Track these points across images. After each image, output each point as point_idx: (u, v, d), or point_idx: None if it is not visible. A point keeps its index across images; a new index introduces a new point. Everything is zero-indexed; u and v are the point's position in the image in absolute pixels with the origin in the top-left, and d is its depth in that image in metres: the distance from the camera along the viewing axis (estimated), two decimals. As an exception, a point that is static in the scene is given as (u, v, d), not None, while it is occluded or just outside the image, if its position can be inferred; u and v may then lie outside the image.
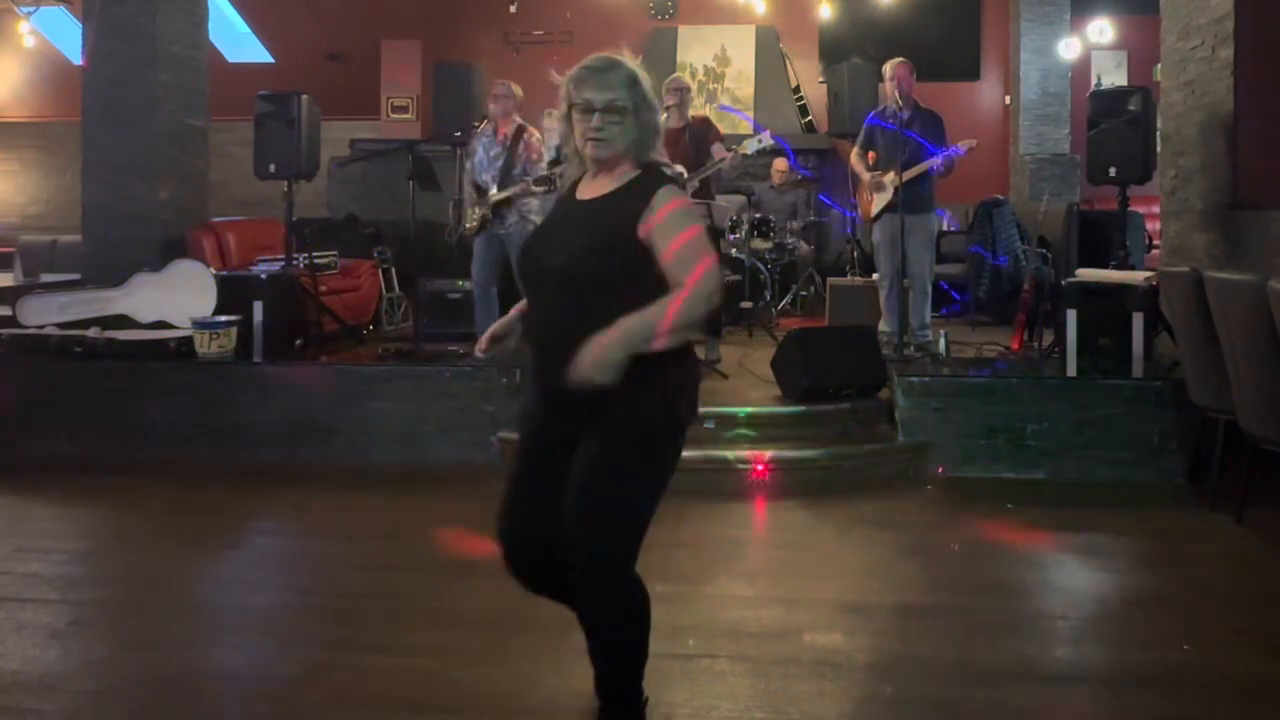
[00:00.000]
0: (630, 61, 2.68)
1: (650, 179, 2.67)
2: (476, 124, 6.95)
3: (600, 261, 2.58)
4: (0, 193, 12.38)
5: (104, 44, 7.36)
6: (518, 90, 6.90)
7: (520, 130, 6.80)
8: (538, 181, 6.67)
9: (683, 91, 6.76)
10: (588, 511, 2.57)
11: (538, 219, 6.86)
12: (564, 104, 2.69)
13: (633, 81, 2.64)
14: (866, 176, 6.75)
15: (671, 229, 2.57)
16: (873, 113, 6.91)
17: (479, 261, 6.84)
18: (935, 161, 6.40)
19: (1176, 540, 4.60)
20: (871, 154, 6.72)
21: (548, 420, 2.71)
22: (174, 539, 4.70)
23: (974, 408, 5.54)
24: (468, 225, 6.86)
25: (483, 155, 6.86)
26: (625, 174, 2.69)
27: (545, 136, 8.24)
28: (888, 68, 6.63)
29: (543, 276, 2.66)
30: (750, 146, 6.74)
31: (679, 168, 6.59)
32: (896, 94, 6.53)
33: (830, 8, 10.88)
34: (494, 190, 6.72)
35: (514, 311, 2.88)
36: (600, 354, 2.42)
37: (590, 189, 2.72)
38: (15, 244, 10.50)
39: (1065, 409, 5.48)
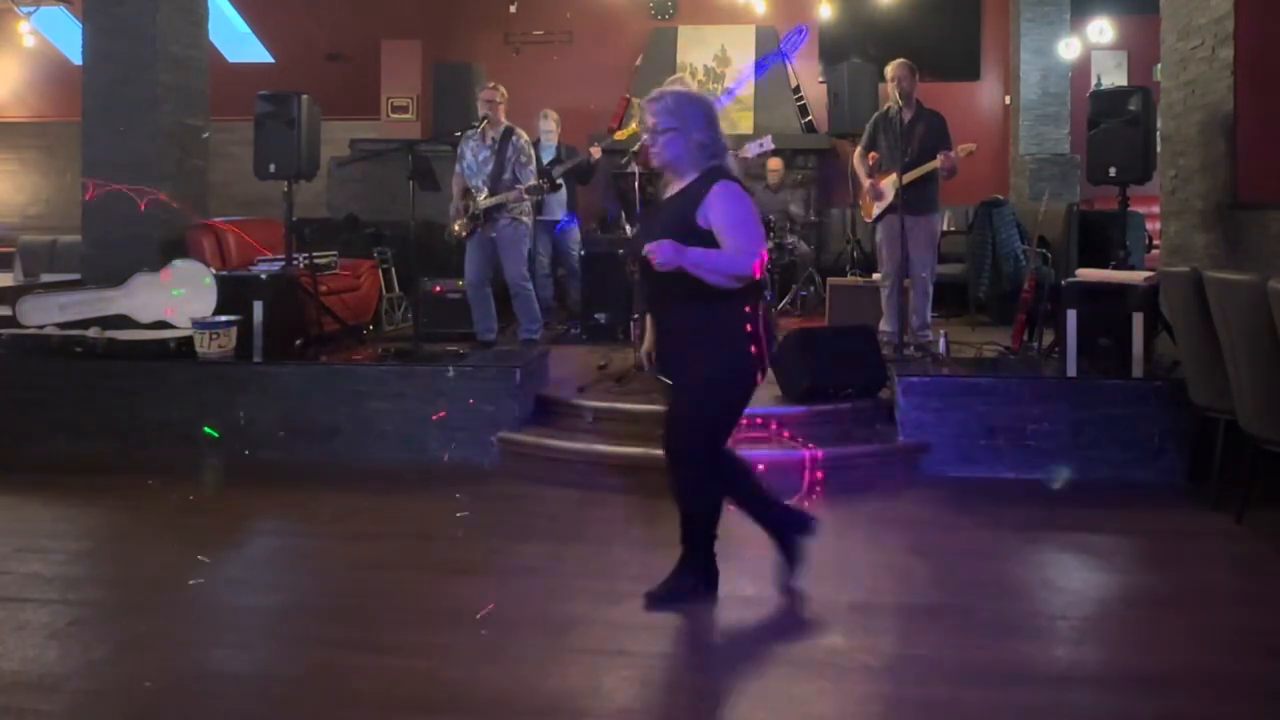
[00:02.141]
0: (678, 88, 3.72)
1: (707, 177, 3.62)
2: (476, 124, 6.95)
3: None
4: (0, 193, 12.39)
5: (104, 44, 7.36)
6: (504, 92, 6.90)
7: (508, 133, 6.79)
8: (529, 190, 6.68)
9: (683, 91, 6.76)
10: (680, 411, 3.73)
11: (529, 220, 6.87)
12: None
13: (671, 109, 3.62)
14: (866, 183, 6.74)
15: (722, 214, 3.55)
16: (876, 114, 6.92)
17: (471, 264, 6.85)
18: (935, 165, 6.40)
19: (1176, 540, 4.60)
20: (873, 155, 6.72)
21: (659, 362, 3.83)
22: (174, 539, 4.70)
23: (974, 408, 5.54)
24: (457, 229, 6.87)
25: (471, 159, 6.86)
26: (689, 176, 3.66)
27: (543, 138, 8.26)
28: (889, 69, 6.63)
29: (641, 260, 3.59)
30: (752, 150, 6.74)
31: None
32: (897, 95, 6.53)
33: (830, 8, 10.88)
34: (484, 194, 6.71)
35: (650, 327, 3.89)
36: (668, 253, 3.44)
37: (670, 189, 3.74)
38: (15, 244, 10.51)
39: (1065, 409, 5.48)
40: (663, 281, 3.55)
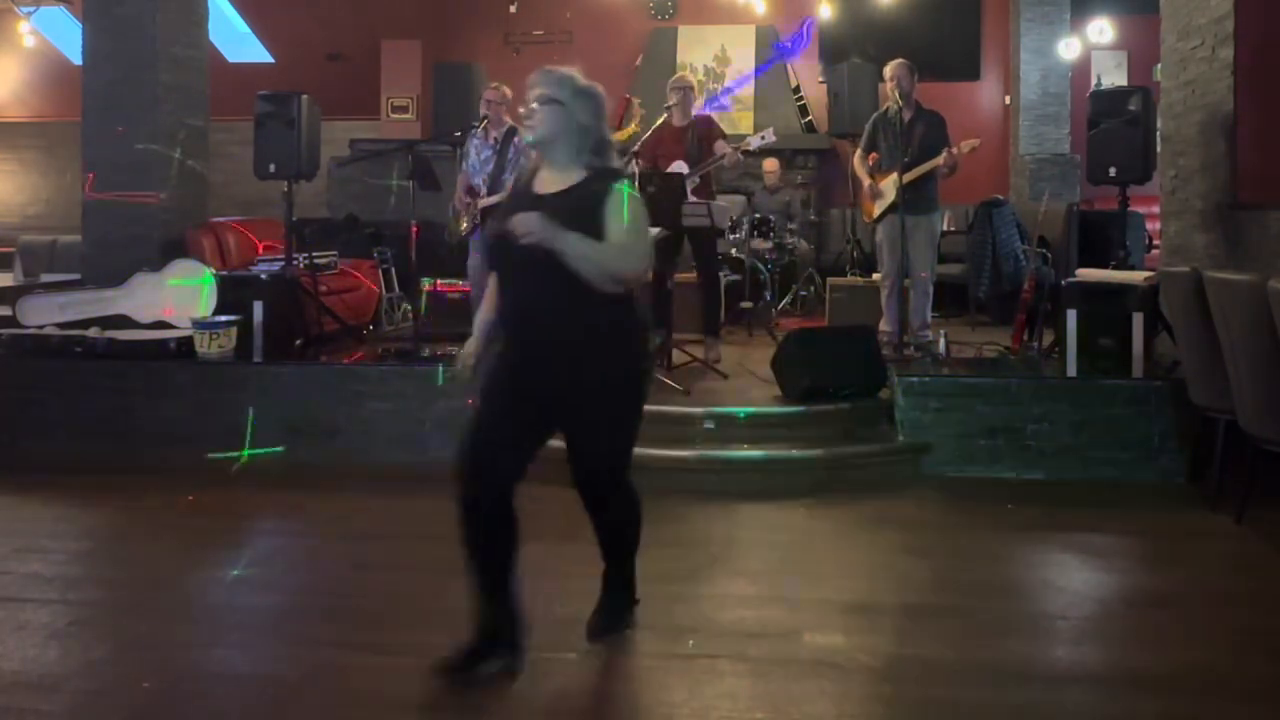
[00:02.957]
0: (579, 77, 3.26)
1: (605, 176, 3.21)
2: (476, 124, 6.95)
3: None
4: (0, 193, 12.38)
5: (104, 44, 7.36)
6: (507, 92, 6.90)
7: (511, 132, 6.79)
8: None
9: (685, 90, 6.76)
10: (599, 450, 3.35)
11: None
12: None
13: (558, 82, 3.21)
14: (867, 183, 6.74)
15: (619, 211, 3.14)
16: (875, 114, 6.92)
17: (474, 263, 6.85)
18: (938, 162, 6.40)
19: (1176, 540, 4.60)
20: (873, 155, 6.72)
21: (520, 379, 3.25)
22: (174, 539, 4.70)
23: (974, 408, 5.54)
24: (461, 228, 6.86)
25: (475, 158, 6.86)
26: (575, 175, 3.21)
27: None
28: (888, 69, 6.63)
29: (513, 260, 3.15)
30: (753, 143, 6.75)
31: (680, 164, 6.61)
32: (897, 95, 6.53)
33: (830, 8, 10.88)
34: (484, 194, 6.72)
35: (482, 325, 3.45)
36: (546, 227, 3.01)
37: (539, 178, 3.28)
38: (15, 244, 10.50)
39: (1065, 409, 5.48)
40: (544, 281, 3.10)
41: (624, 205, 3.15)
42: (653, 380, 3.48)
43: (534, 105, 3.19)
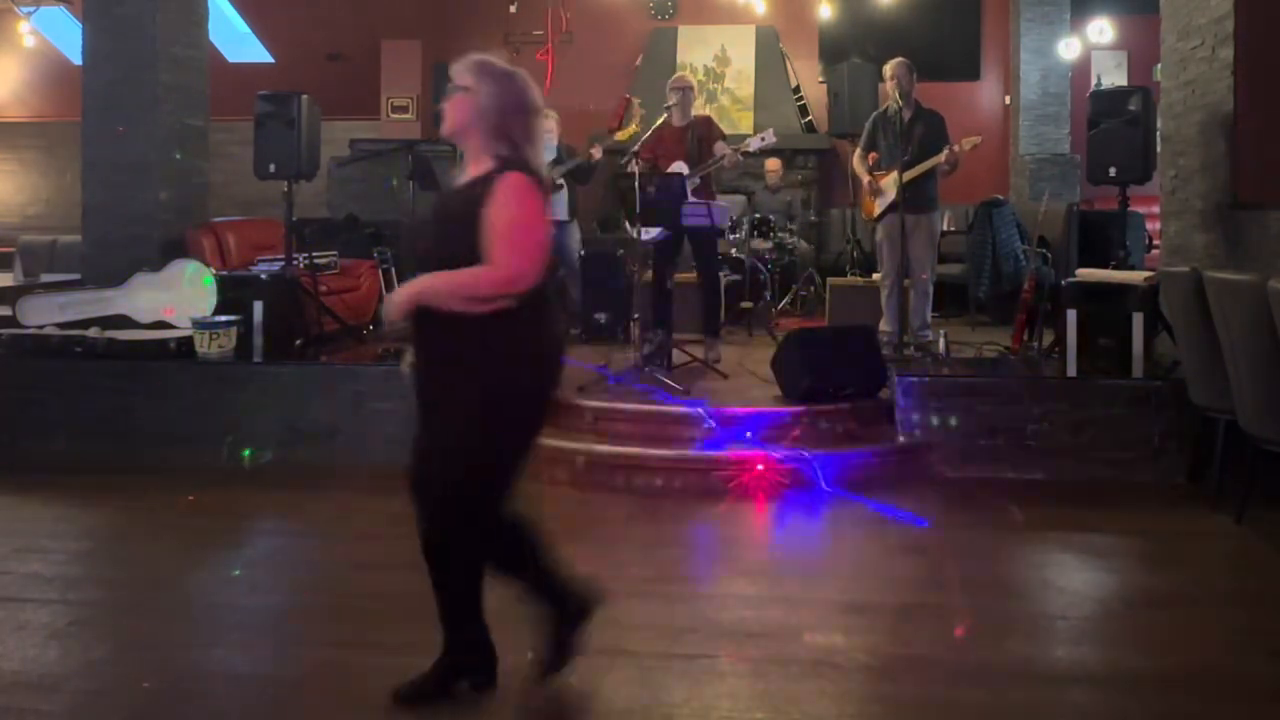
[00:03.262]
0: (493, 61, 2.98)
1: (500, 168, 2.90)
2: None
3: (448, 244, 2.91)
4: (0, 193, 12.38)
5: (104, 44, 7.36)
6: None
7: None
8: None
9: (685, 90, 6.75)
10: (429, 471, 2.95)
11: None
12: None
13: (471, 69, 2.94)
14: (866, 180, 6.75)
15: (499, 210, 2.83)
16: (875, 113, 6.92)
17: None
18: (939, 159, 6.40)
19: (1176, 540, 4.60)
20: (873, 154, 6.72)
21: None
22: (174, 539, 4.70)
23: (974, 408, 5.54)
24: None
25: None
26: (482, 169, 2.94)
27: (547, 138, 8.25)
28: (888, 68, 6.63)
29: (416, 258, 3.06)
30: (752, 144, 6.74)
31: (679, 165, 6.60)
32: (897, 94, 6.53)
33: (830, 8, 10.88)
34: None
35: None
36: (396, 304, 2.87)
37: (461, 179, 3.03)
38: (15, 244, 10.50)
39: (1065, 409, 5.48)
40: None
41: (505, 202, 2.83)
42: (530, 411, 2.96)
43: (449, 95, 2.97)
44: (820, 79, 11.30)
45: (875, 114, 6.90)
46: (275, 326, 6.40)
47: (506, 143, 2.94)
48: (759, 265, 8.68)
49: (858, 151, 6.93)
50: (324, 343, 6.73)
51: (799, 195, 9.94)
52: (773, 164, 9.78)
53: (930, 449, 5.53)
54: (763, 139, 6.77)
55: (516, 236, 2.83)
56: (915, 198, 6.47)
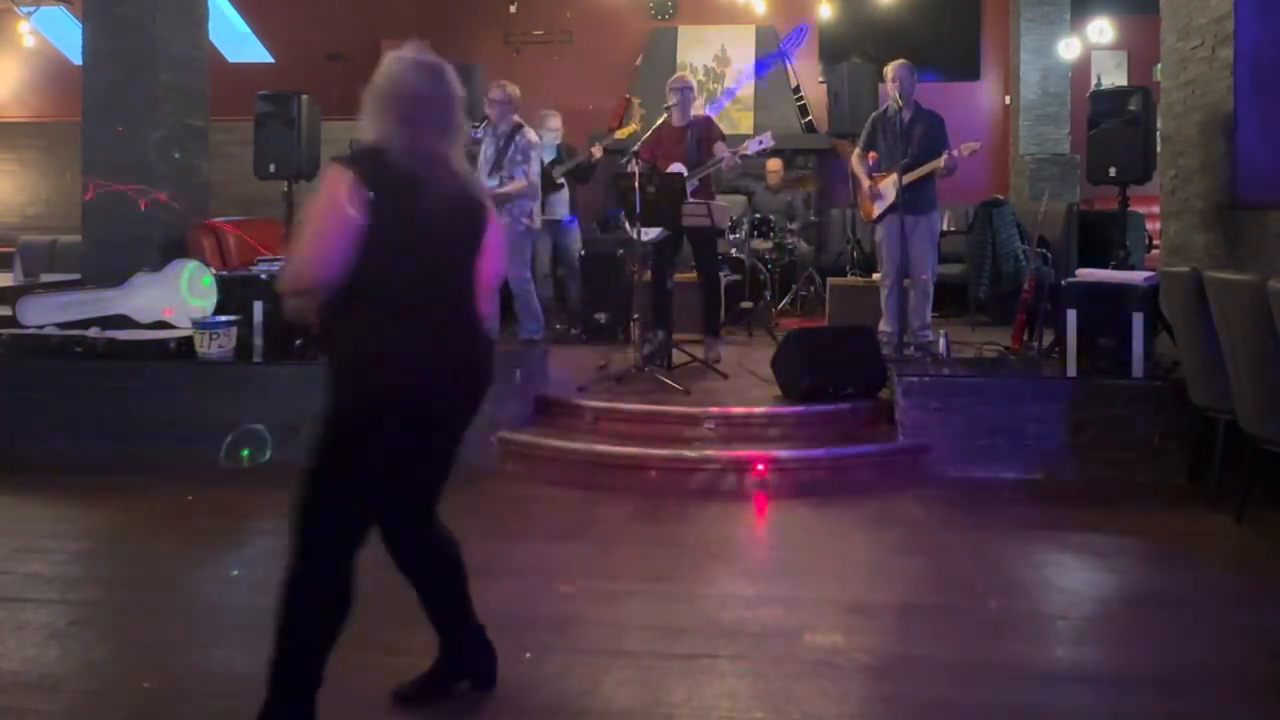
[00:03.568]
0: (391, 59, 2.96)
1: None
2: (476, 124, 6.95)
3: None
4: (0, 193, 12.38)
5: (104, 44, 7.36)
6: (513, 91, 6.90)
7: (514, 131, 6.79)
8: (508, 191, 6.64)
9: (684, 90, 6.74)
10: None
11: (529, 221, 6.85)
12: None
13: (380, 70, 2.93)
14: (866, 184, 6.74)
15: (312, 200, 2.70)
16: (874, 113, 6.92)
17: None
18: (938, 164, 6.40)
19: (1176, 540, 4.60)
20: (872, 154, 6.72)
21: None
22: (174, 539, 4.70)
23: (974, 408, 5.54)
24: None
25: (482, 156, 6.88)
26: None
27: (546, 137, 8.26)
28: (889, 69, 6.63)
29: None
30: (751, 147, 6.74)
31: (678, 165, 6.60)
32: (897, 95, 6.53)
33: (830, 8, 10.88)
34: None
35: None
36: None
37: None
38: (15, 244, 10.50)
39: (1065, 409, 5.48)
40: None
41: (318, 192, 2.70)
42: (373, 428, 2.69)
43: None
44: (820, 79, 11.31)
45: (875, 114, 6.90)
46: (275, 326, 6.40)
47: (376, 129, 2.85)
48: (759, 265, 8.68)
49: (856, 151, 6.93)
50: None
51: (799, 195, 9.94)
52: (774, 164, 9.77)
53: (930, 449, 5.53)
54: (760, 141, 6.77)
55: (307, 226, 2.64)
56: (915, 199, 6.47)
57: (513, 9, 11.54)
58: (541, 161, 7.34)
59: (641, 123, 7.50)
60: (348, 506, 2.78)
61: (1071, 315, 5.72)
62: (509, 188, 6.62)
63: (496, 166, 6.74)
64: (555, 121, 8.37)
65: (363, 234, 2.60)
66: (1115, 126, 6.32)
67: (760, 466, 5.32)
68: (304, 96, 6.86)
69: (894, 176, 6.49)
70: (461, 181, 2.85)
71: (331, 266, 2.59)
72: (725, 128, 7.33)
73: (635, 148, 6.54)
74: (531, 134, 6.89)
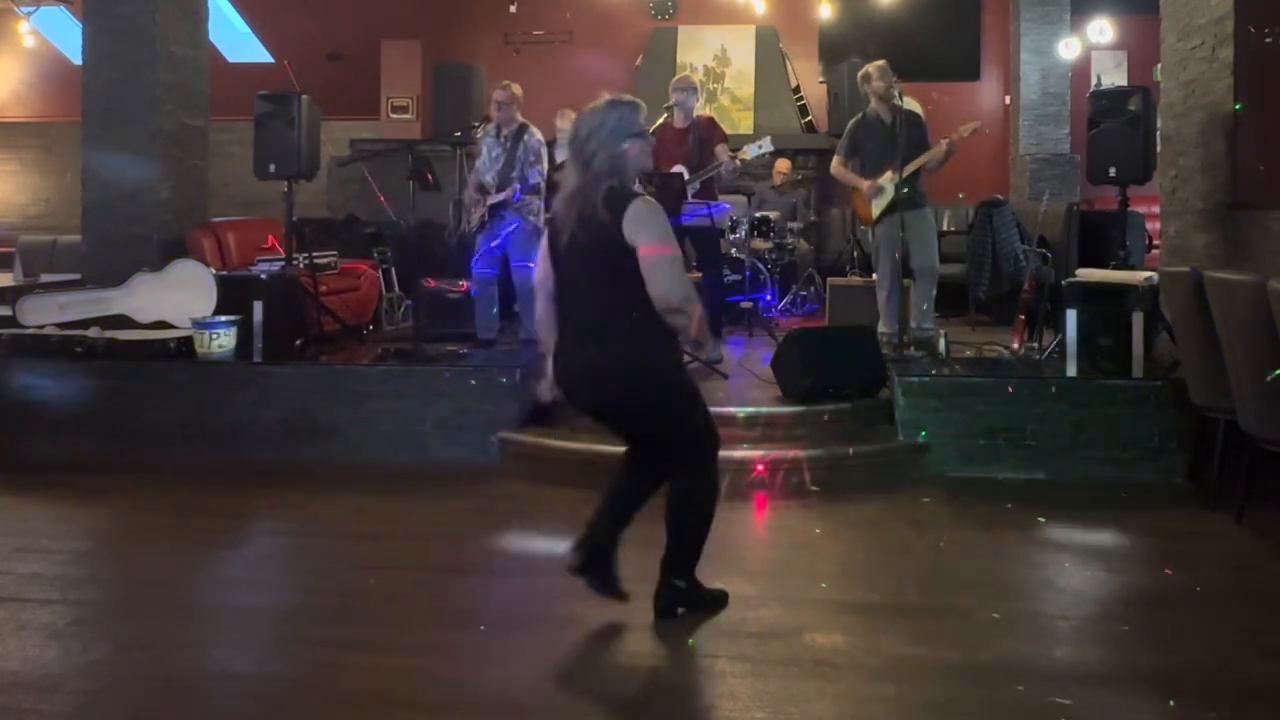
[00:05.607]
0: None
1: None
2: (476, 124, 6.96)
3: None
4: (0, 193, 12.39)
5: (104, 44, 7.36)
6: (516, 91, 6.90)
7: (521, 131, 6.80)
8: (527, 190, 6.65)
9: (686, 91, 6.75)
10: None
11: (537, 220, 6.86)
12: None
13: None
14: (865, 185, 6.72)
15: None
16: (853, 120, 6.90)
17: (480, 260, 6.86)
18: (939, 150, 6.39)
19: (1176, 540, 4.60)
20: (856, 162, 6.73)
21: None
22: (174, 539, 4.70)
23: (974, 408, 5.54)
24: (470, 224, 6.88)
25: (486, 156, 6.88)
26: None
27: (559, 136, 8.25)
28: (873, 71, 6.62)
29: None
30: (751, 152, 6.75)
31: (679, 166, 6.60)
32: (879, 97, 6.55)
33: (830, 8, 10.88)
34: (494, 191, 6.74)
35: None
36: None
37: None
38: (15, 244, 10.51)
39: (1065, 409, 5.47)
40: None
41: (661, 225, 3.51)
42: (681, 372, 3.83)
43: None
44: (820, 79, 11.31)
45: (854, 121, 6.88)
46: (275, 326, 6.41)
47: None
48: (759, 265, 8.68)
49: (837, 159, 6.91)
50: (324, 343, 6.73)
51: (799, 195, 9.94)
52: (783, 164, 9.78)
53: (930, 449, 5.53)
54: (760, 146, 6.77)
55: (669, 249, 3.50)
56: (913, 193, 6.47)
57: (513, 9, 11.54)
58: (553, 159, 7.34)
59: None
60: (707, 421, 3.67)
61: (1071, 315, 5.72)
62: (529, 190, 6.65)
63: (507, 167, 6.74)
64: (566, 122, 8.37)
65: None
66: (1115, 126, 6.31)
67: (760, 466, 5.31)
68: (304, 96, 6.86)
69: (890, 175, 6.49)
70: None
71: None
72: (725, 128, 7.31)
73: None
74: (538, 133, 6.89)
